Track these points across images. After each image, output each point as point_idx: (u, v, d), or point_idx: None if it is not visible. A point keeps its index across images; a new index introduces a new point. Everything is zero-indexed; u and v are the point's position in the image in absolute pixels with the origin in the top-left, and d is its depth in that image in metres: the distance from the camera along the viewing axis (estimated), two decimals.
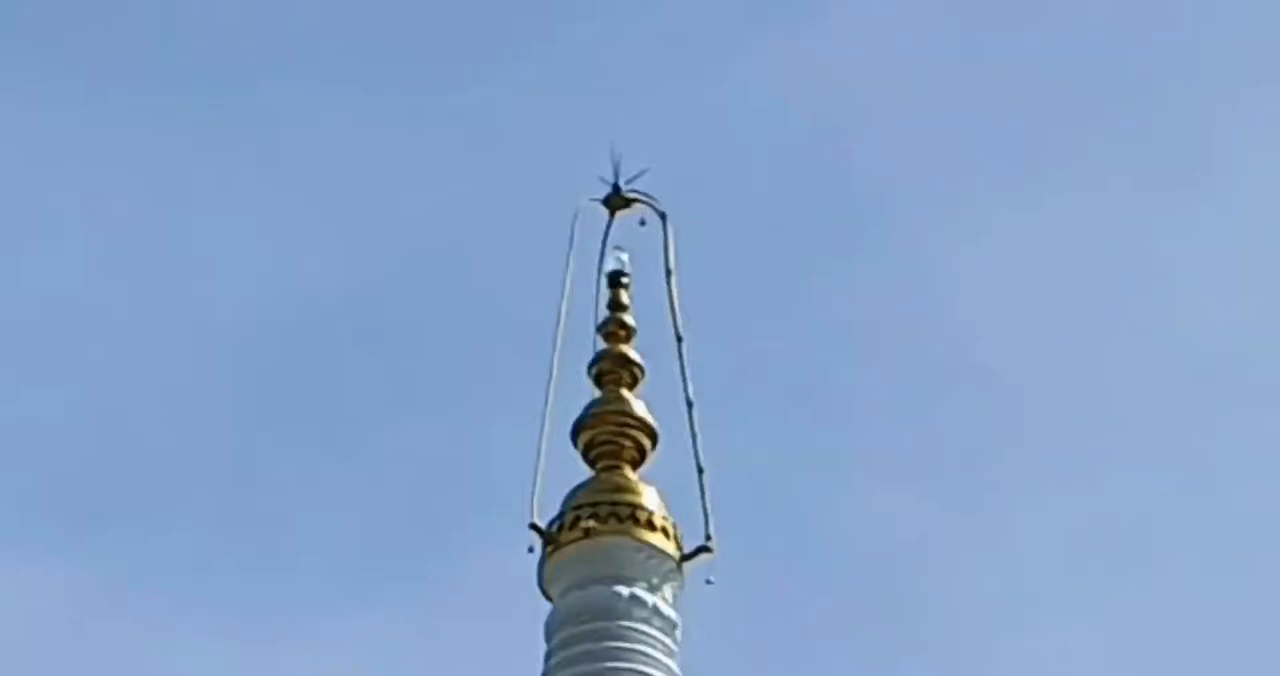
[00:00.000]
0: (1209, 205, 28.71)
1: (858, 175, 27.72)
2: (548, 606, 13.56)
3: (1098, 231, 28.39)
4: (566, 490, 13.74)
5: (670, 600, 13.46)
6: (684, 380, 14.12)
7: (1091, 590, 24.97)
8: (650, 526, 13.64)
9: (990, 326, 26.48)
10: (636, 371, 14.17)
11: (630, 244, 14.47)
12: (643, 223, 14.51)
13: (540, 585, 13.69)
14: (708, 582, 13.58)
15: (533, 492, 13.74)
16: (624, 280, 14.49)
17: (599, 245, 14.58)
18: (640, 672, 13.18)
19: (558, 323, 14.26)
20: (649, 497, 13.68)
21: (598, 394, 14.05)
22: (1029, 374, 26.48)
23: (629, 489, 13.72)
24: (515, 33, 27.75)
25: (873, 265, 26.85)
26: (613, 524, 13.56)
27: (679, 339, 14.22)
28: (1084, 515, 25.65)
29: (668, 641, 13.31)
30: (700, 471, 13.77)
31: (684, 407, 13.99)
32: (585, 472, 13.82)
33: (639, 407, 14.02)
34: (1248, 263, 27.76)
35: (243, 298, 26.72)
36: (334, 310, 26.31)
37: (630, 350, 14.22)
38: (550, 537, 13.55)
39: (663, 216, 14.46)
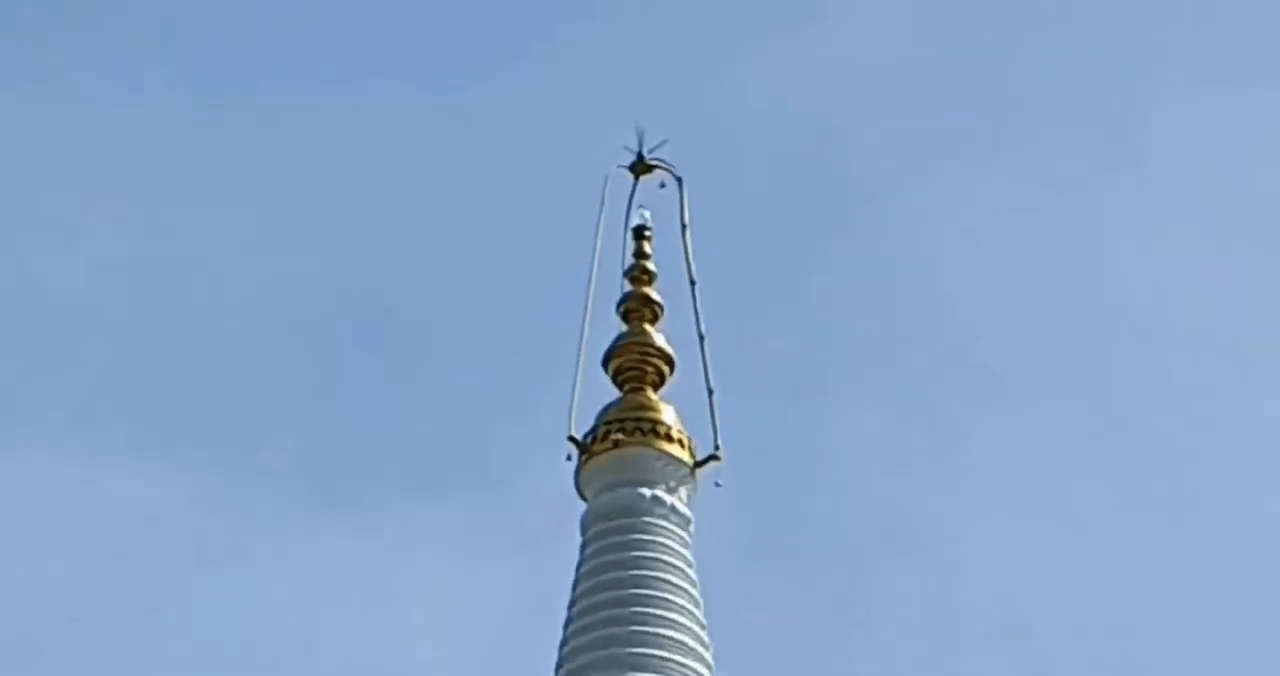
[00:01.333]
0: (1144, 184, 31.38)
1: (847, 147, 30.25)
2: (583, 505, 15.70)
3: (1052, 204, 30.63)
4: (598, 408, 15.91)
5: (685, 500, 15.56)
6: (696, 317, 16.22)
7: (1039, 495, 28.04)
8: (668, 438, 15.74)
9: (957, 282, 29.24)
10: (657, 309, 16.32)
11: (651, 203, 16.61)
12: (662, 186, 16.65)
13: (577, 488, 15.76)
14: (716, 485, 15.71)
15: (570, 411, 15.83)
16: (647, 233, 16.58)
17: (625, 205, 16.67)
18: (660, 560, 15.02)
19: (591, 270, 16.24)
20: (667, 414, 15.79)
21: (624, 328, 16.18)
22: (987, 320, 29.15)
23: (651, 407, 15.87)
24: (555, 24, 30.22)
25: (859, 228, 29.49)
26: (637, 436, 15.66)
27: (692, 283, 16.35)
28: (1031, 432, 28.78)
29: (683, 534, 15.31)
30: (710, 393, 15.88)
31: (696, 340, 16.12)
32: (614, 393, 15.96)
33: (659, 339, 16.15)
34: (1174, 229, 30.31)
35: (323, 259, 29.46)
36: (405, 267, 29.08)
37: (652, 292, 16.38)
38: (585, 448, 15.66)
39: (679, 180, 16.62)
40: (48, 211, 30.50)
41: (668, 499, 15.62)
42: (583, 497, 15.93)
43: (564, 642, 15.01)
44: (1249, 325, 29.54)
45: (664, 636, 14.91)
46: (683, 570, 15.25)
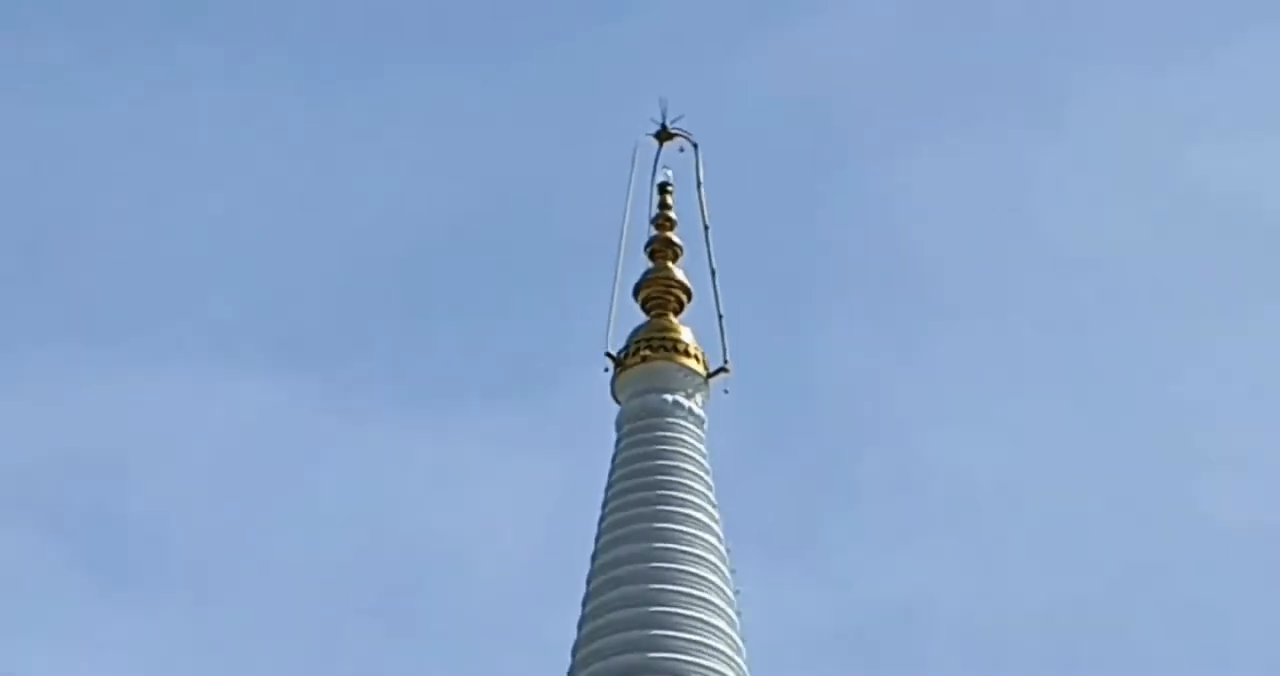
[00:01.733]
0: (1067, 146, 35.44)
1: (832, 121, 34.39)
2: (617, 408, 18.04)
3: (996, 164, 35.42)
4: (629, 330, 18.29)
5: (699, 403, 17.88)
6: (709, 256, 18.60)
7: (983, 396, 33.04)
8: (686, 354, 18.11)
9: (920, 229, 33.67)
10: (677, 250, 18.71)
11: (673, 164, 19.07)
12: (681, 150, 19.00)
13: (612, 394, 18.09)
14: (724, 392, 18.07)
15: (607, 332, 18.16)
16: (669, 188, 18.93)
17: (652, 166, 19.02)
18: (679, 451, 17.38)
19: (623, 218, 18.60)
20: (686, 335, 18.17)
21: (650, 265, 18.59)
22: (944, 258, 33.72)
23: (672, 329, 18.22)
24: (597, 20, 34.82)
25: (842, 184, 33.80)
26: (661, 352, 18.02)
27: (706, 227, 18.73)
28: (977, 347, 33.57)
29: (698, 431, 17.64)
30: (720, 318, 18.25)
31: (709, 275, 18.49)
32: (642, 318, 18.39)
33: (679, 274, 18.57)
34: (1090, 182, 34.88)
35: (414, 207, 34.14)
36: (476, 214, 33.48)
37: (673, 235, 18.80)
38: (619, 362, 17.99)
39: (695, 146, 19.01)
40: (197, 159, 34.92)
41: (686, 403, 17.85)
42: (617, 402, 18.21)
43: (603, 517, 17.11)
44: (1145, 256, 34.37)
45: (683, 513, 16.99)
46: (698, 459, 17.49)
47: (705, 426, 18.02)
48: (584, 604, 16.89)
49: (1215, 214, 34.07)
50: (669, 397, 18.00)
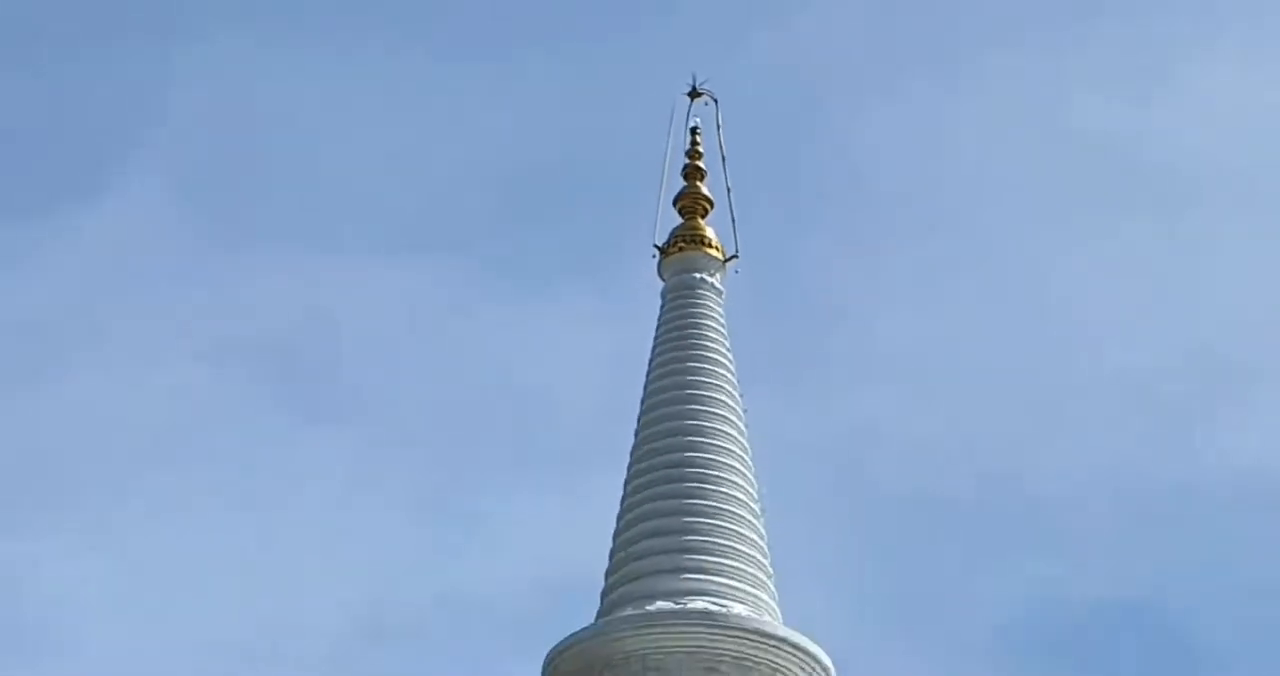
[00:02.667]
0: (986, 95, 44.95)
1: (814, 78, 43.63)
2: (661, 284, 22.86)
3: (934, 112, 44.68)
4: (669, 229, 23.11)
5: (719, 281, 22.73)
6: (725, 177, 23.41)
7: (921, 282, 43.04)
8: (710, 246, 22.97)
9: (889, 158, 43.82)
10: (704, 173, 23.35)
11: (700, 114, 23.89)
12: (706, 104, 23.70)
13: (659, 274, 22.95)
14: (735, 272, 23.02)
15: (654, 230, 23.21)
16: (698, 131, 23.59)
17: (685, 116, 23.70)
18: (705, 314, 22.23)
19: (665, 153, 23.41)
20: (709, 232, 22.98)
21: (685, 185, 23.32)
22: (907, 180, 43.89)
23: (700, 229, 23.05)
24: (645, 9, 44.86)
25: (828, 124, 43.67)
26: (692, 245, 22.89)
27: (723, 158, 23.45)
28: (929, 250, 43.37)
29: (718, 300, 22.58)
30: (733, 220, 23.22)
31: (726, 191, 23.32)
32: (678, 221, 23.13)
33: (705, 190, 23.27)
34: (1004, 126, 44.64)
35: (503, 144, 44.65)
36: (552, 152, 43.72)
37: (701, 164, 23.43)
38: (664, 251, 22.87)
39: (716, 101, 23.74)
40: (374, 109, 45.86)
41: (709, 279, 22.75)
42: (662, 279, 22.99)
43: (652, 357, 22.16)
44: (1036, 182, 44.55)
45: (707, 356, 22.05)
46: (717, 318, 22.42)
47: (723, 296, 22.90)
48: (636, 434, 21.84)
49: (1089, 151, 44.05)
50: (698, 275, 22.88)
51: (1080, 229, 44.61)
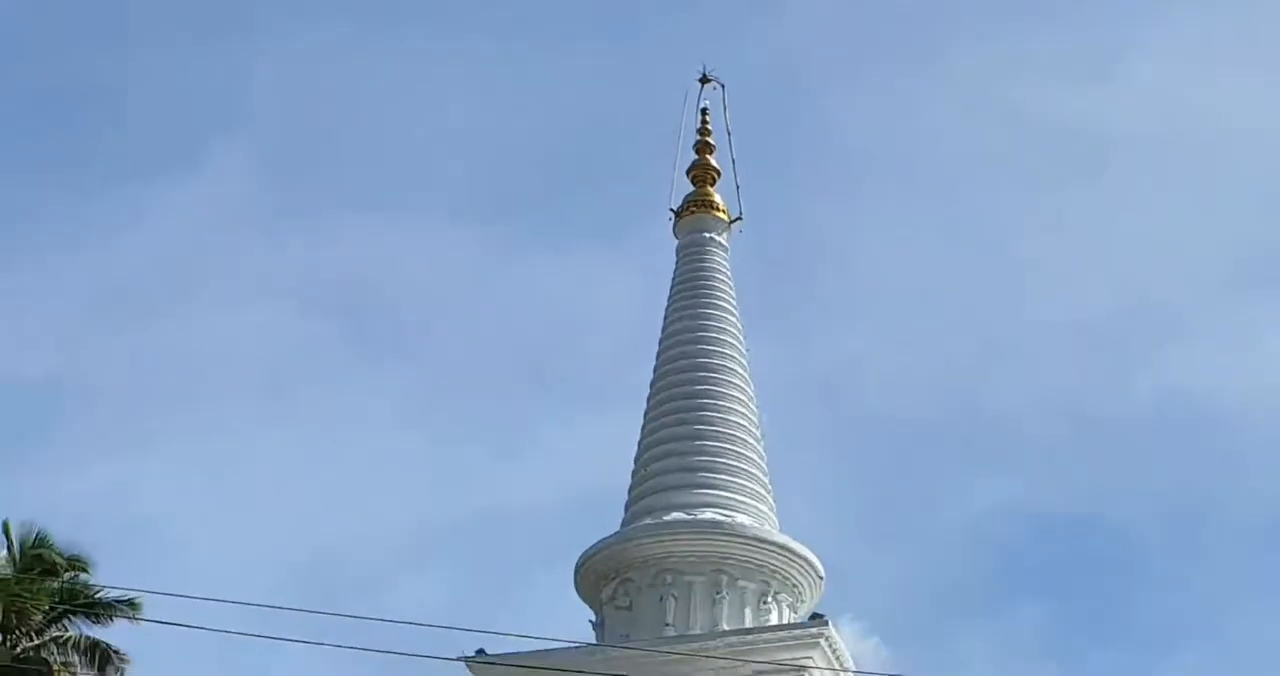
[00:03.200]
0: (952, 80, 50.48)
1: (803, 63, 48.98)
2: (675, 242, 25.99)
3: (905, 93, 50.36)
4: (683, 195, 26.20)
5: (725, 239, 25.92)
6: (731, 150, 26.53)
7: (895, 231, 48.24)
8: (718, 209, 26.17)
9: (861, 122, 49.52)
10: (712, 146, 26.33)
11: (709, 97, 26.85)
12: (714, 89, 26.75)
13: (674, 233, 26.07)
14: (739, 232, 26.16)
15: (670, 196, 26.36)
16: (707, 113, 26.59)
17: (697, 99, 26.70)
18: (713, 268, 25.30)
19: (679, 130, 26.51)
20: (717, 198, 26.16)
21: (695, 157, 26.39)
22: (874, 135, 49.59)
23: (710, 195, 26.20)
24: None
25: (810, 105, 48.95)
26: (703, 208, 26.08)
27: (729, 133, 26.53)
28: (894, 202, 48.81)
29: (724, 255, 25.73)
30: (738, 188, 26.41)
31: (731, 163, 26.41)
32: (690, 188, 26.20)
33: (713, 161, 26.35)
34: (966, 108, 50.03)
35: (537, 121, 50.00)
36: (582, 128, 48.80)
37: (710, 140, 26.41)
38: (678, 214, 26.01)
39: (723, 86, 26.83)
40: (439, 90, 52.32)
41: (717, 238, 25.79)
42: (676, 238, 25.99)
43: (668, 305, 25.19)
44: (992, 157, 50.09)
45: (715, 304, 25.04)
46: (724, 271, 25.40)
47: (729, 252, 25.89)
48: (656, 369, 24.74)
49: (1035, 127, 50.45)
50: (707, 235, 25.85)
51: (1031, 191, 51.74)
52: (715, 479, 23.82)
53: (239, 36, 54.20)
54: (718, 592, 23.11)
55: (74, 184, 52.55)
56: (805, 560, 23.53)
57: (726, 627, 22.65)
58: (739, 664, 21.54)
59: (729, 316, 25.39)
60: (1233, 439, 49.70)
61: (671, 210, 26.44)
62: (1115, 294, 50.87)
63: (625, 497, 24.55)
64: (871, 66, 52.69)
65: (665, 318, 25.69)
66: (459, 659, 21.83)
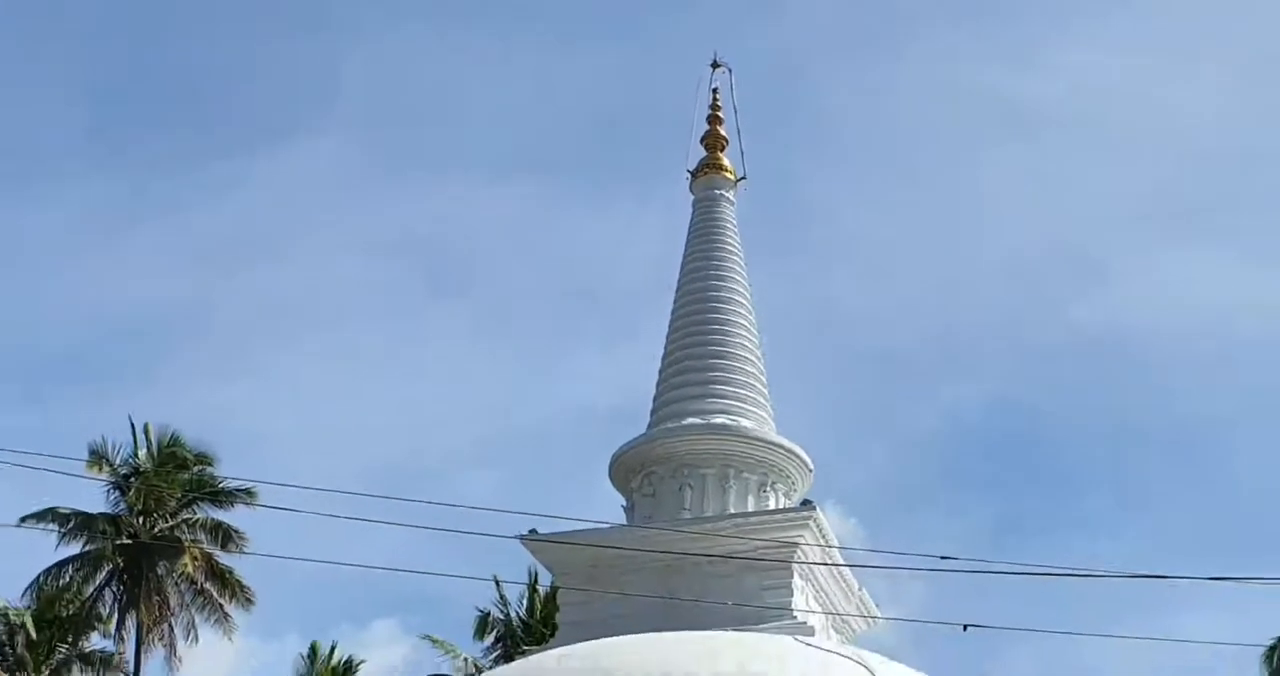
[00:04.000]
0: (926, 67, 59.57)
1: (805, 48, 56.44)
2: (691, 198, 30.56)
3: (895, 76, 57.77)
4: (698, 159, 30.63)
5: (733, 196, 30.42)
6: (736, 123, 31.07)
7: (879, 193, 56.89)
8: (726, 170, 30.69)
9: (848, 96, 58.00)
10: (721, 117, 30.86)
11: (720, 80, 31.31)
12: (724, 72, 31.17)
13: (690, 190, 30.56)
14: (744, 189, 30.73)
15: (686, 159, 30.96)
16: (717, 93, 31.15)
17: (708, 82, 31.07)
18: (722, 218, 29.83)
19: (693, 109, 31.01)
20: (726, 161, 30.60)
21: (708, 128, 30.85)
22: (858, 106, 57.65)
23: (719, 159, 30.61)
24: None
25: (809, 87, 56.81)
26: (714, 169, 30.58)
27: (735, 110, 31.01)
28: (879, 166, 58.33)
29: (732, 209, 30.35)
30: (743, 153, 30.89)
31: (736, 133, 30.96)
32: (703, 153, 30.70)
33: (722, 131, 30.77)
34: (940, 93, 57.86)
35: (588, 99, 58.16)
36: (606, 111, 57.48)
37: (720, 114, 30.92)
38: (693, 174, 30.55)
39: (731, 70, 31.19)
40: (491, 74, 61.78)
41: (727, 195, 30.19)
42: (692, 194, 30.42)
43: (685, 251, 29.46)
44: (950, 134, 59.17)
45: (724, 248, 29.46)
46: (731, 223, 29.83)
47: (735, 206, 30.52)
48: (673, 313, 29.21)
49: (983, 102, 60.01)
50: (717, 192, 30.33)
51: (982, 154, 61.58)
52: (724, 390, 28.28)
53: (332, 31, 66.48)
54: (726, 483, 27.63)
55: (203, 148, 66.07)
56: (797, 456, 28.08)
57: (733, 511, 27.13)
58: (743, 540, 25.95)
59: (735, 259, 29.72)
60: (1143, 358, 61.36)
61: (688, 171, 30.65)
62: (1051, 239, 62.60)
63: (650, 406, 29.18)
64: (854, 54, 62.54)
65: (683, 259, 30.01)
66: (515, 537, 26.10)
